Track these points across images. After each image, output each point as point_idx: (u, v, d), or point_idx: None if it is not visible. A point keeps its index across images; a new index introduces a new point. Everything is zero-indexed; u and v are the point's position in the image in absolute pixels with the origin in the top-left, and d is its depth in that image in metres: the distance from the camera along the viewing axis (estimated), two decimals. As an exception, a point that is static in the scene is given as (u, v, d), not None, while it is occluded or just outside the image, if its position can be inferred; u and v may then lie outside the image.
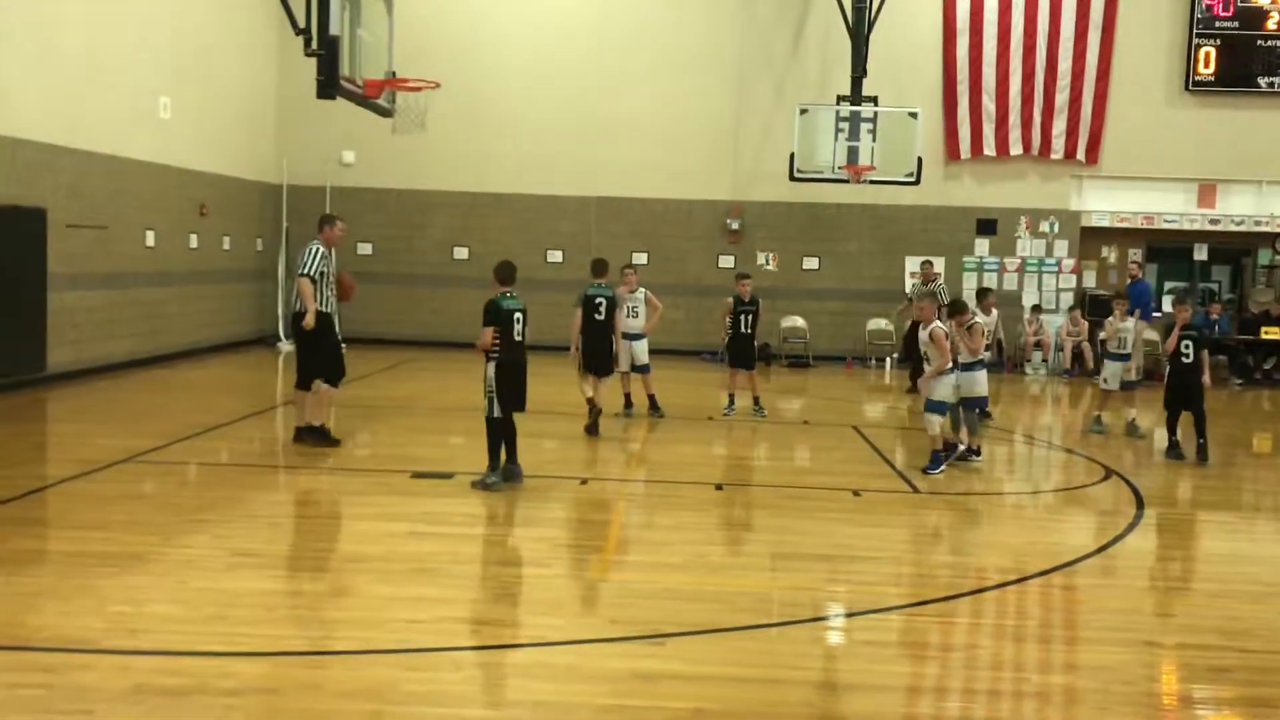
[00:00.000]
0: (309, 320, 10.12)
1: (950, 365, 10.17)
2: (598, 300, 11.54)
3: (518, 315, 8.86)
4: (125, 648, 5.14)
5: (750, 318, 13.02)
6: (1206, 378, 11.40)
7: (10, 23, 12.73)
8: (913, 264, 20.39)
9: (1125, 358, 12.70)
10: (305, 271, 10.16)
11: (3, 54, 12.62)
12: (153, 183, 16.05)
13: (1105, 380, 12.91)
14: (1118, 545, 7.95)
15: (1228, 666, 5.57)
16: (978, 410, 11.02)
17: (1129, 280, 19.58)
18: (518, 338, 8.85)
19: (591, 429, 11.50)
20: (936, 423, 10.24)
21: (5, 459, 9.48)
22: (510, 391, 8.84)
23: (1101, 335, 13.31)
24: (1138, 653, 5.69)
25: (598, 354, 11.66)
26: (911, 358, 17.36)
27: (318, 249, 10.29)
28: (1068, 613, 6.58)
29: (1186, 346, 11.34)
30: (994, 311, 13.18)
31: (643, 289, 12.81)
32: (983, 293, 13.57)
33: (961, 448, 10.67)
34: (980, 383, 10.90)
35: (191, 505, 8.16)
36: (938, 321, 10.26)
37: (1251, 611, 6.51)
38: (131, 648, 5.14)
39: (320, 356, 10.40)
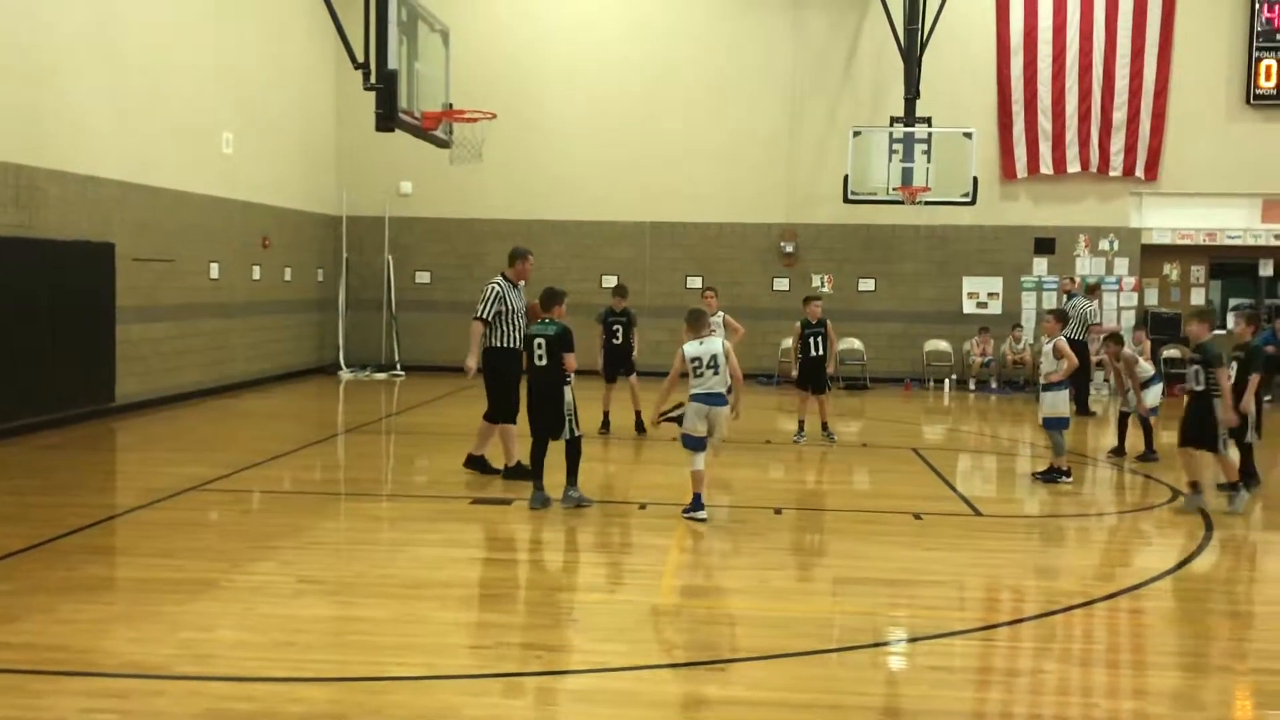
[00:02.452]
0: (468, 364, 10.05)
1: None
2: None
3: (538, 340, 9.06)
4: (196, 673, 5.23)
5: (819, 340, 12.93)
6: (1246, 401, 9.92)
7: (83, 66, 13.13)
8: (970, 284, 20.28)
9: None
10: (476, 315, 10.11)
11: (77, 96, 13.02)
12: (217, 217, 16.41)
13: None
14: (1187, 568, 7.80)
15: (1304, 692, 5.44)
16: (1060, 431, 10.73)
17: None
18: (537, 362, 9.06)
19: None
20: (699, 460, 8.80)
21: (77, 487, 9.72)
22: (531, 415, 9.15)
23: None
24: (1210, 678, 5.57)
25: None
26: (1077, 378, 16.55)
27: (494, 290, 10.11)
28: (1136, 637, 6.45)
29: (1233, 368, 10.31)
30: (1146, 342, 12.71)
31: (721, 312, 12.85)
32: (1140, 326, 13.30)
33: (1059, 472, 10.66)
34: (1052, 403, 10.75)
35: (257, 532, 8.30)
36: (715, 337, 9.10)
37: (1328, 636, 6.35)
38: (202, 673, 5.24)
39: (499, 394, 10.24)
